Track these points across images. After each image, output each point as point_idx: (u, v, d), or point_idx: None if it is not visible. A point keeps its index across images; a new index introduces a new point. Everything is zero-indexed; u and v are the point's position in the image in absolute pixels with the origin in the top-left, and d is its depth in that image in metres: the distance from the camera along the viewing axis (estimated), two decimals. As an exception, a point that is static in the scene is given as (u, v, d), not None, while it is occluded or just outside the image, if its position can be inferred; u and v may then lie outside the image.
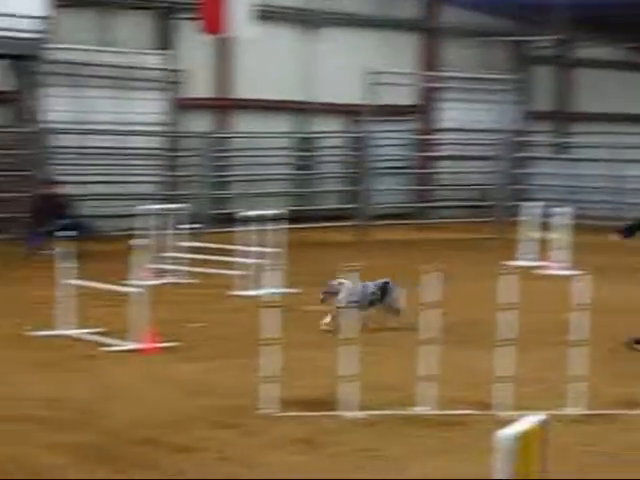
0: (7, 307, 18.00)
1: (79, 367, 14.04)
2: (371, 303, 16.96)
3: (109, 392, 12.71)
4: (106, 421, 11.44)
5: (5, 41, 25.98)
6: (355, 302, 15.51)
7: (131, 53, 30.86)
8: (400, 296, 16.99)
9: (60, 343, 15.32)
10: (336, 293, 16.51)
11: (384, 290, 17.11)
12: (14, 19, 25.63)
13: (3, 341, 15.44)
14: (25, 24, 25.92)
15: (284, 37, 34.50)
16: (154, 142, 31.22)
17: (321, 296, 16.81)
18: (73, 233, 17.69)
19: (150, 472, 9.77)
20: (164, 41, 32.60)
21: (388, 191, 34.21)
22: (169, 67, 31.50)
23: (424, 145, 37.25)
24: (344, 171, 35.09)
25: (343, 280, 16.34)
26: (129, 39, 31.55)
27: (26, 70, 27.28)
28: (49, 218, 23.75)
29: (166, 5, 32.50)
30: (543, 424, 6.01)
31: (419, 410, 11.57)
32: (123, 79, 30.71)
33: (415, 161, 36.84)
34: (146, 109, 30.94)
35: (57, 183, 25.74)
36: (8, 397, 12.41)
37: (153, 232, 20.49)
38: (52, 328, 15.76)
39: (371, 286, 17.00)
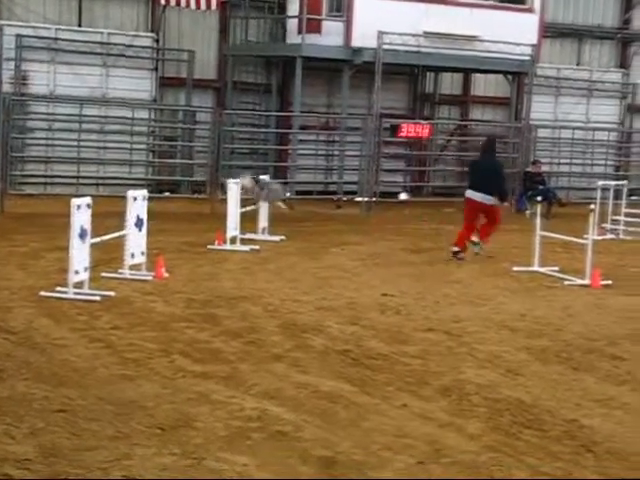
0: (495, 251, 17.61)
1: (542, 294, 13.90)
2: None
3: (563, 313, 12.53)
4: (559, 333, 11.34)
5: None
6: None
7: (597, 71, 30.81)
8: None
9: (531, 276, 15.21)
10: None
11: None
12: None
13: (493, 273, 15.37)
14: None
15: None
16: (610, 136, 30.71)
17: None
18: (542, 199, 18.00)
19: (589, 374, 9.52)
20: (622, 62, 32.15)
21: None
22: (624, 81, 31.44)
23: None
24: None
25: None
26: (595, 60, 31.43)
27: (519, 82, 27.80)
28: (531, 188, 23.77)
29: (625, 36, 31.87)
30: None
31: None
32: (586, 89, 30.56)
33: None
34: (606, 112, 30.82)
35: (538, 163, 25.71)
36: (493, 312, 12.37)
37: (605, 201, 20.41)
38: (527, 265, 15.72)
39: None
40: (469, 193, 16.73)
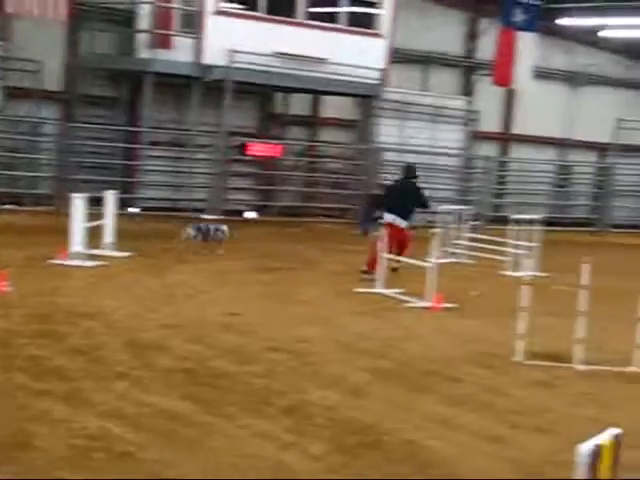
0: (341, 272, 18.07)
1: (386, 315, 14.03)
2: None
3: (405, 334, 12.70)
4: (401, 354, 11.48)
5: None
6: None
7: (442, 97, 31.18)
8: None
9: (375, 298, 15.38)
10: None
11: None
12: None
13: (339, 294, 15.56)
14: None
15: (553, 92, 34.46)
16: (454, 161, 31.32)
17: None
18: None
19: (429, 395, 9.69)
20: (466, 89, 32.98)
21: (624, 208, 33.98)
22: (468, 108, 31.91)
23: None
24: (591, 191, 34.83)
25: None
26: (440, 87, 31.99)
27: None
28: (375, 210, 23.34)
29: (469, 64, 32.96)
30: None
31: (632, 369, 11.29)
32: (431, 115, 30.91)
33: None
34: (450, 137, 31.20)
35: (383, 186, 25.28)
36: (337, 333, 12.49)
37: (447, 225, 20.74)
38: (372, 287, 15.96)
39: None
40: (384, 215, 17.65)
